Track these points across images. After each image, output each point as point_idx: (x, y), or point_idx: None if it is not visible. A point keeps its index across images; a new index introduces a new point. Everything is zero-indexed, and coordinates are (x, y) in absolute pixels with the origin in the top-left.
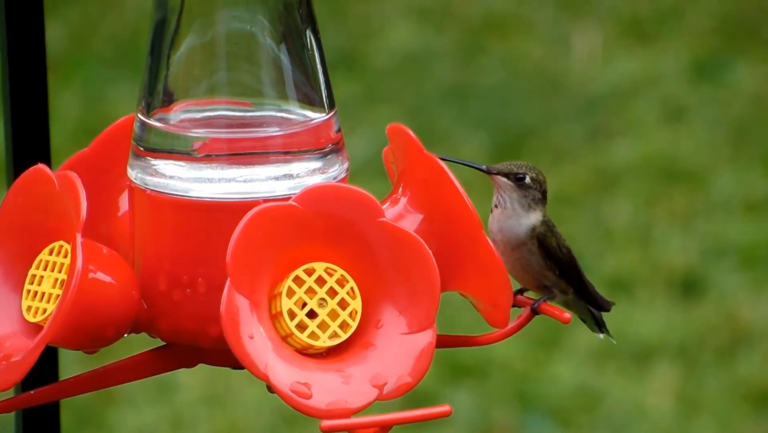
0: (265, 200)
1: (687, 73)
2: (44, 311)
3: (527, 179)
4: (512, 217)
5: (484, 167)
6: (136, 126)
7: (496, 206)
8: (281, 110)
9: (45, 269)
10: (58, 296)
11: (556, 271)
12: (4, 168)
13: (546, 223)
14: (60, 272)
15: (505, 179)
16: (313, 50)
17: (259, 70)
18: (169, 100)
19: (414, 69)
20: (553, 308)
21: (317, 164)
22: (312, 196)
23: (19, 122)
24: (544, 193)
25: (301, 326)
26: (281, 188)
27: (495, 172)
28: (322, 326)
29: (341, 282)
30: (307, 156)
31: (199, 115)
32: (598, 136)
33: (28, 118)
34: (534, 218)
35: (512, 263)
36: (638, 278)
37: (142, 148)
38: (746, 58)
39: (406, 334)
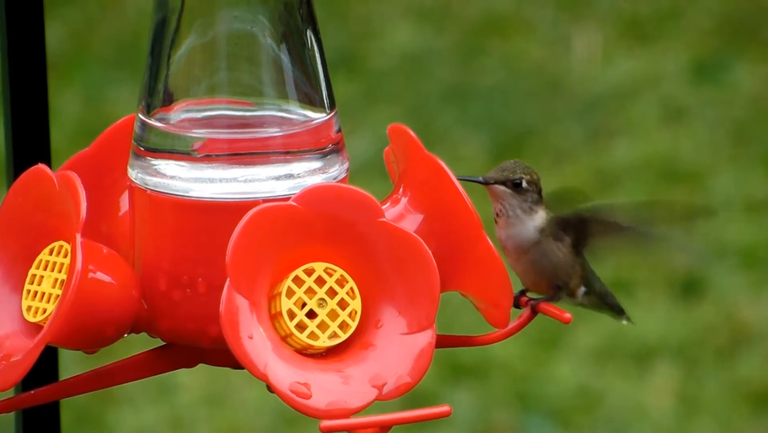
0: (265, 200)
1: (687, 74)
2: (44, 310)
3: (524, 183)
4: (517, 224)
5: (481, 179)
6: (136, 126)
7: (498, 215)
8: (282, 110)
9: (45, 269)
10: (58, 296)
11: (574, 253)
12: (4, 168)
13: (552, 220)
14: (60, 271)
15: (502, 187)
16: (313, 50)
17: (259, 70)
18: (169, 100)
19: (414, 69)
20: (553, 308)
21: (317, 164)
22: (312, 196)
23: (19, 122)
24: (540, 192)
25: (301, 326)
26: (281, 188)
27: (492, 182)
28: (322, 326)
29: (341, 282)
30: (307, 156)
31: (199, 115)
32: (598, 136)
33: (28, 118)
34: (538, 218)
35: (524, 265)
36: (638, 278)
37: (142, 148)
38: (746, 58)
39: (406, 334)
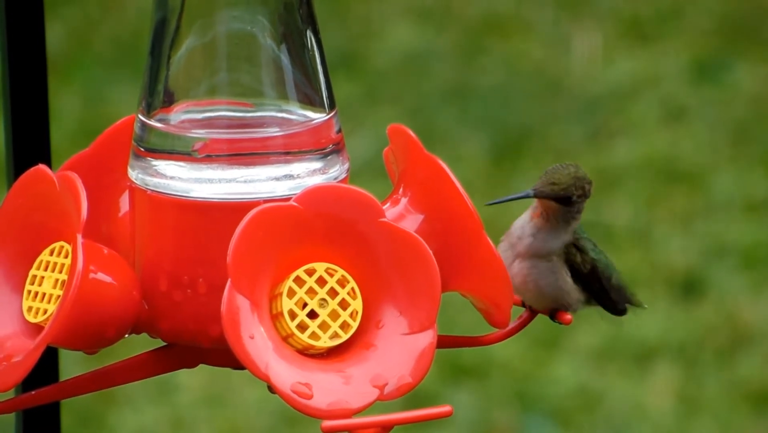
0: (266, 201)
1: (687, 74)
2: (45, 311)
3: (574, 198)
4: (552, 230)
5: (531, 193)
6: (136, 126)
7: (539, 216)
8: (282, 111)
9: (46, 270)
10: (59, 296)
11: (579, 286)
12: (5, 168)
13: (574, 241)
14: (61, 272)
15: (550, 202)
16: (313, 50)
17: (259, 70)
18: (169, 100)
19: (414, 69)
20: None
21: (318, 165)
22: (312, 196)
23: (19, 122)
24: (587, 197)
25: (302, 327)
26: (282, 189)
27: (543, 197)
28: (323, 327)
29: (342, 282)
30: (307, 156)
31: (199, 116)
32: (598, 136)
33: (28, 118)
34: (570, 230)
35: (525, 278)
36: (638, 278)
37: (142, 149)
38: (746, 58)
39: (407, 334)
